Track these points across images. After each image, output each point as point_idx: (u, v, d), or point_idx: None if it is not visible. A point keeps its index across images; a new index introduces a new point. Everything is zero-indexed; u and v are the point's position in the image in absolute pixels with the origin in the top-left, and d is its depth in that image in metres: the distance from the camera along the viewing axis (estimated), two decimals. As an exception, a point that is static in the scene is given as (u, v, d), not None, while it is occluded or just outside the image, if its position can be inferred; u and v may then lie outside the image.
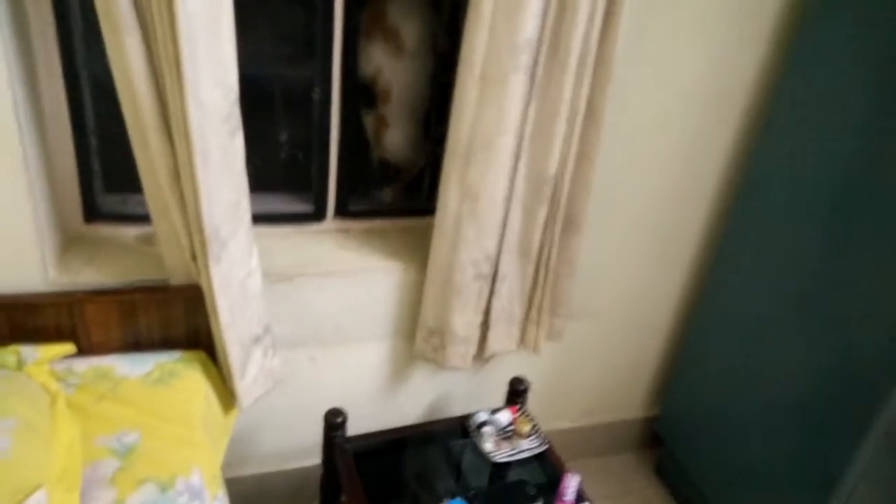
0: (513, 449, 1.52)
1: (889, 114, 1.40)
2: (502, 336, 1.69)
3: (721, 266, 1.87)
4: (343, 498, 1.53)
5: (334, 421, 1.48)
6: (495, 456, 1.50)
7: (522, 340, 1.73)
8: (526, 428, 1.54)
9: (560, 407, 2.04)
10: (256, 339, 1.41)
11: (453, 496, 1.37)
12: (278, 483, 1.78)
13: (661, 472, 2.17)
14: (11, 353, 1.26)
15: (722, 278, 1.87)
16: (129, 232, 1.53)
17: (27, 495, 1.03)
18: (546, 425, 1.93)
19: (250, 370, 1.40)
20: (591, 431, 2.13)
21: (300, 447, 1.75)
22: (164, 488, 1.12)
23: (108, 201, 1.52)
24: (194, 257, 1.32)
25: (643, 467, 2.21)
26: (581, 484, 1.45)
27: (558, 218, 1.56)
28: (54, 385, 1.23)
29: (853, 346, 1.48)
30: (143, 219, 1.48)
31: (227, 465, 1.45)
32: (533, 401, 1.94)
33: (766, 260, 1.71)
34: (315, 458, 1.66)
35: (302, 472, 1.77)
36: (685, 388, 2.03)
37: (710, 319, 1.92)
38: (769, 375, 1.70)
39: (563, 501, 1.39)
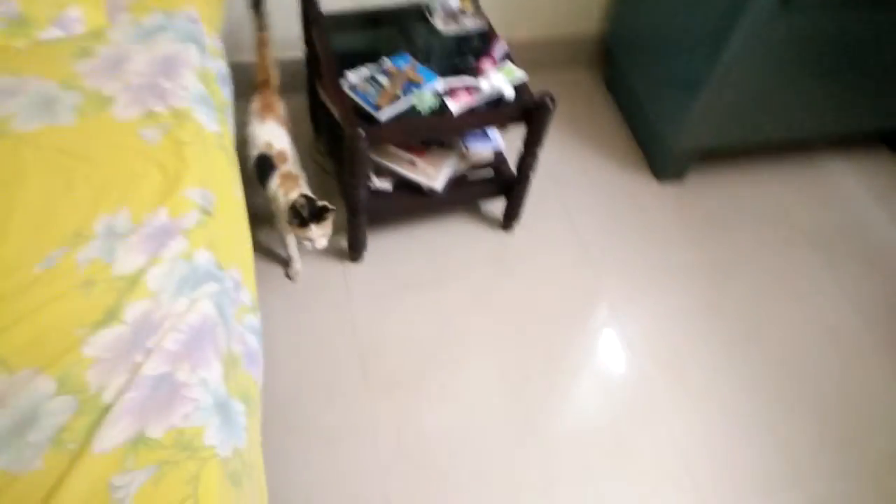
0: (458, 26, 1.84)
1: None
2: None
3: None
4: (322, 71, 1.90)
5: (309, -4, 1.79)
6: (444, 31, 1.82)
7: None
8: (469, 8, 1.83)
9: (518, 16, 2.30)
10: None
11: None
12: (276, 70, 2.17)
13: (610, 85, 2.51)
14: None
15: None
16: None
17: (64, 8, 1.40)
18: (504, 33, 2.21)
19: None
20: (549, 45, 2.42)
21: (289, 39, 2.09)
22: (168, 17, 1.48)
23: None
24: None
25: (592, 78, 2.55)
26: (509, 51, 1.78)
27: None
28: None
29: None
30: None
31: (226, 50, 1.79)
32: (492, 8, 2.20)
33: None
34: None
35: (293, 63, 2.14)
36: (631, 5, 2.27)
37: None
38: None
39: (491, 58, 1.74)
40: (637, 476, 1.63)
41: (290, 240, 1.82)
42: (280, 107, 1.79)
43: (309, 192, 1.65)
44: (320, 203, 1.59)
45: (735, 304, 1.98)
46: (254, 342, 1.24)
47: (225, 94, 1.54)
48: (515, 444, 1.65)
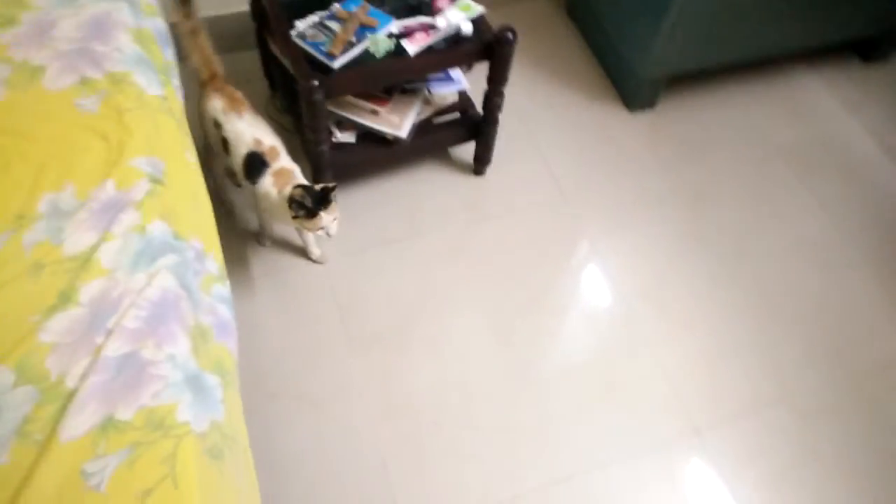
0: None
1: None
2: None
3: None
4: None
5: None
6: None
7: None
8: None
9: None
10: None
11: (353, -3, 1.63)
12: (221, 27, 2.05)
13: (572, 14, 2.42)
14: None
15: None
16: None
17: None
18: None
19: None
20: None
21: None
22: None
23: None
24: None
25: (555, 10, 2.45)
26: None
27: None
28: None
29: None
30: None
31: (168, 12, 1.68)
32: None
33: None
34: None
35: (239, 17, 2.03)
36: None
37: None
38: None
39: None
40: (628, 407, 1.63)
41: (305, 235, 1.77)
42: (241, 95, 1.64)
43: (305, 182, 1.56)
44: (319, 186, 1.50)
45: (715, 226, 1.96)
46: (225, 312, 1.20)
47: (166, 54, 1.45)
48: (505, 388, 1.63)
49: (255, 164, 1.56)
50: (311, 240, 1.77)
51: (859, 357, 1.74)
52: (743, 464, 1.56)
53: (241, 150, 1.57)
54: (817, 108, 2.27)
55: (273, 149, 1.58)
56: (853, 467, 1.57)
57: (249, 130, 1.58)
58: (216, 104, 1.60)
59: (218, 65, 1.65)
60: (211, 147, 1.69)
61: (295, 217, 1.52)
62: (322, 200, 1.50)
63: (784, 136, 2.18)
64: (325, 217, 1.51)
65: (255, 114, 1.62)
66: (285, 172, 1.56)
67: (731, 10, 1.90)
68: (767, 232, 1.96)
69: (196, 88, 1.64)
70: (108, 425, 0.89)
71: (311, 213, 1.50)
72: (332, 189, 1.50)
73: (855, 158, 2.15)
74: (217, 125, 1.60)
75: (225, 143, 1.60)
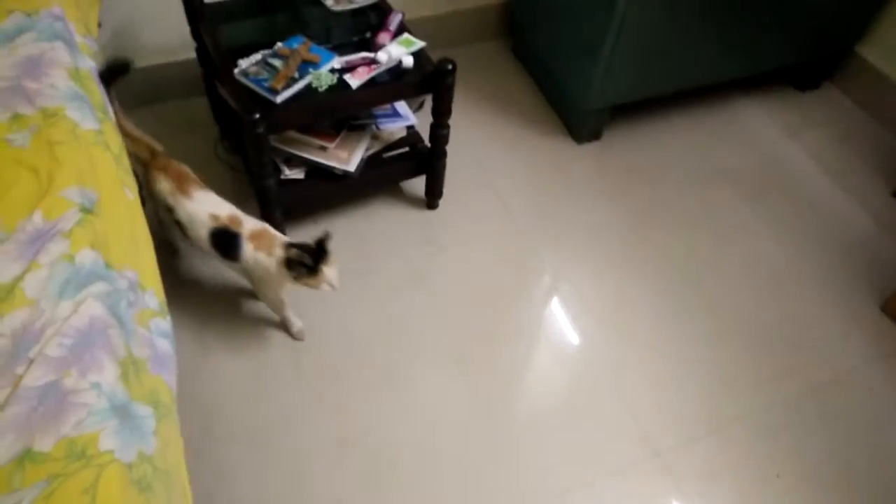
0: (350, 2, 1.79)
1: None
2: None
3: None
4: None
5: (191, -10, 1.71)
6: (335, 8, 1.77)
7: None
8: (359, -19, 1.78)
9: (418, -5, 2.28)
10: None
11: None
12: (170, 75, 2.07)
13: (517, 52, 2.49)
14: None
15: None
16: None
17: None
18: (407, 10, 2.18)
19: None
20: (453, 19, 2.39)
21: (183, 40, 2.00)
22: (29, 17, 1.38)
23: None
24: None
25: (502, 50, 2.53)
26: (403, 19, 1.74)
27: None
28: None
29: None
30: None
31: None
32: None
33: None
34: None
35: (187, 64, 2.05)
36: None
37: None
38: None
39: (388, 31, 1.70)
40: (589, 433, 1.60)
41: (283, 305, 1.65)
42: (187, 169, 1.58)
43: (286, 239, 1.50)
44: (314, 240, 1.43)
45: (665, 251, 1.98)
46: (165, 346, 1.16)
47: (105, 95, 1.45)
48: (463, 422, 1.60)
49: (225, 239, 1.49)
50: (291, 314, 1.68)
51: (812, 372, 1.75)
52: (706, 484, 1.54)
53: (200, 231, 1.51)
54: (758, 134, 2.35)
55: (233, 217, 1.52)
56: (813, 481, 1.55)
57: (202, 209, 1.51)
58: (163, 187, 1.53)
59: (153, 142, 1.60)
60: (167, 225, 1.65)
61: (296, 278, 1.46)
62: (320, 254, 1.44)
63: (727, 161, 2.24)
64: (328, 271, 1.45)
65: (202, 187, 1.56)
66: (259, 233, 1.50)
67: (662, 43, 1.97)
68: (715, 254, 1.99)
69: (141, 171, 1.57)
70: (25, 457, 0.84)
71: (313, 271, 1.44)
72: (327, 239, 1.44)
73: (796, 180, 2.21)
74: (168, 209, 1.55)
75: (180, 225, 1.54)
